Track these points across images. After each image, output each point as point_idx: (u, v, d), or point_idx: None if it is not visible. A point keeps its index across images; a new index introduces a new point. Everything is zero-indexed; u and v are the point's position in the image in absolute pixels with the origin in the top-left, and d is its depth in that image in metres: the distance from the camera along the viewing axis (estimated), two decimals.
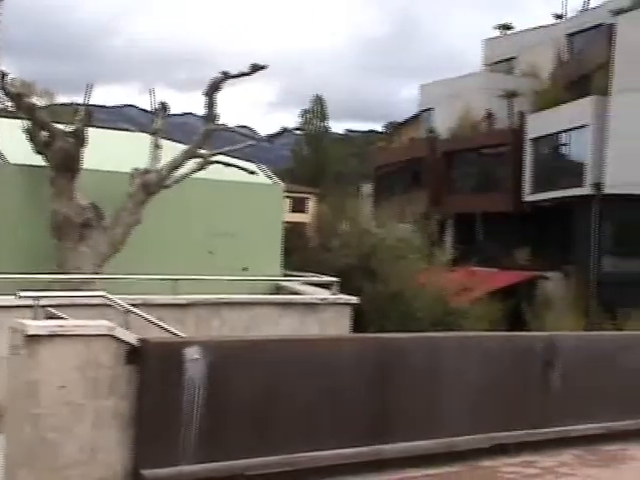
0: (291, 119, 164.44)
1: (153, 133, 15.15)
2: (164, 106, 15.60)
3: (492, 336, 10.49)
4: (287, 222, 19.85)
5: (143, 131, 17.24)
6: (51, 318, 8.65)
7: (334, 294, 13.72)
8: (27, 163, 13.76)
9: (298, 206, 53.57)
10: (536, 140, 34.27)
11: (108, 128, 18.55)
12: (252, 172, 16.04)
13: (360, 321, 14.63)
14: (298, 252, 23.00)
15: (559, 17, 41.83)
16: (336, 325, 13.26)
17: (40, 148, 13.65)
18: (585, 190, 30.11)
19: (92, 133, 13.80)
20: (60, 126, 13.85)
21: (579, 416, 9.07)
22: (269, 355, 7.31)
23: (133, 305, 9.30)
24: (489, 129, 38.57)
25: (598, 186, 29.50)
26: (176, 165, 14.58)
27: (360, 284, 19.08)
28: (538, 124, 33.89)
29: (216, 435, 6.82)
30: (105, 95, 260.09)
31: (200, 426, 6.70)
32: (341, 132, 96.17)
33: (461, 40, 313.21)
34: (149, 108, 15.91)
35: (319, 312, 13.29)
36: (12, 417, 6.40)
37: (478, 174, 38.98)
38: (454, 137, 38.89)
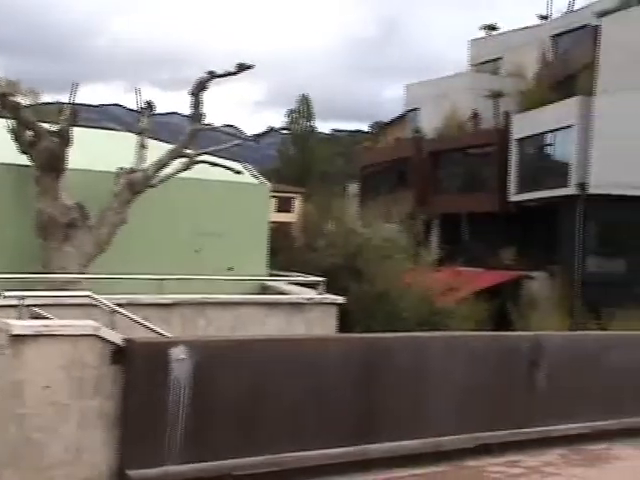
0: (278, 118, 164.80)
1: (139, 133, 15.11)
2: (150, 105, 15.57)
3: (478, 336, 10.53)
4: (273, 222, 19.83)
5: (129, 130, 17.19)
6: (36, 318, 8.63)
7: (320, 294, 13.70)
8: (13, 162, 13.68)
9: (284, 206, 53.46)
10: (522, 140, 34.35)
11: (93, 127, 18.48)
12: (238, 172, 16.03)
13: (346, 321, 14.61)
14: (284, 252, 22.97)
15: (544, 18, 41.95)
16: (322, 325, 13.25)
17: (25, 148, 13.58)
18: (570, 190, 30.19)
19: (77, 132, 13.75)
20: (45, 125, 13.79)
21: (564, 416, 9.12)
22: (255, 355, 7.31)
23: (119, 305, 9.25)
24: (475, 129, 38.63)
25: (583, 186, 29.60)
26: (162, 164, 14.55)
27: (346, 284, 19.07)
28: (524, 124, 33.97)
29: (202, 435, 6.81)
30: (90, 94, 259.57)
31: (186, 426, 6.69)
32: (327, 132, 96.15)
33: (447, 41, 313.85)
34: (135, 107, 15.88)
35: (305, 312, 13.27)
36: None
37: (464, 174, 39.01)
38: (440, 137, 38.94)
